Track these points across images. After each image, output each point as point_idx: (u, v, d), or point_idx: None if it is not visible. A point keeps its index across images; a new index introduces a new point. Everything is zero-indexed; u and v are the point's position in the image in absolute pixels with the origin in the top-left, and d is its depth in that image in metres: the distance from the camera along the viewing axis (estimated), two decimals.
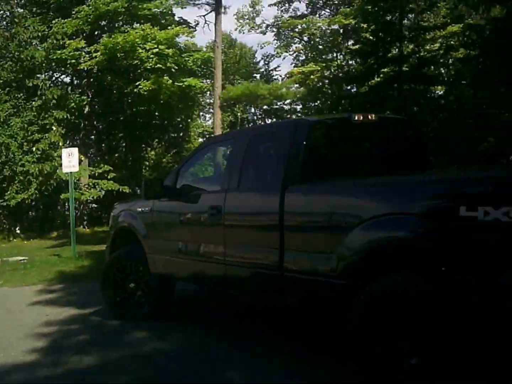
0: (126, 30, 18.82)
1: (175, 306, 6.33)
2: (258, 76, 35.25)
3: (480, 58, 14.61)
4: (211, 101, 28.37)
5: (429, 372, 2.97)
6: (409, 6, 20.26)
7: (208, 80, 24.15)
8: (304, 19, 27.56)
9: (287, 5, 29.57)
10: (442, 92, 23.00)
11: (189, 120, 24.99)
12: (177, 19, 22.29)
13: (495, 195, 2.87)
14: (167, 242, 5.65)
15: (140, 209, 6.09)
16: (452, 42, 20.16)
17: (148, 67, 18.37)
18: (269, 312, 5.71)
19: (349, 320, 3.42)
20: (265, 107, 31.32)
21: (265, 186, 4.51)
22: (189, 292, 7.02)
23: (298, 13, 28.97)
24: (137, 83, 18.71)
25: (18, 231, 18.44)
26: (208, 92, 26.73)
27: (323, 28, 26.33)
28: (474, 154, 23.02)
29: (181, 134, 25.30)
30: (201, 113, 29.66)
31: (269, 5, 29.86)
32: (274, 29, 30.03)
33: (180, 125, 24.88)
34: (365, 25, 21.34)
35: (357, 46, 21.88)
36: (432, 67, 21.68)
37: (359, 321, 3.36)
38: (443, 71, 23.12)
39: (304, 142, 4.25)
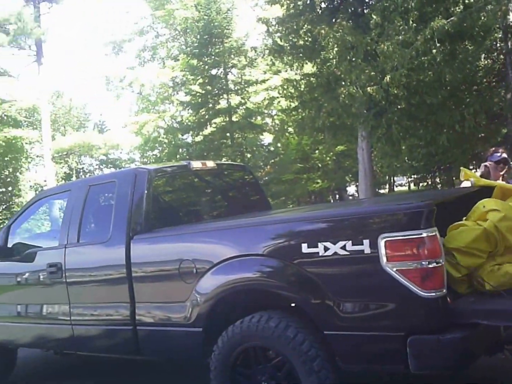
0: None
1: (19, 373, 5.60)
2: (91, 126, 34.23)
3: (299, 109, 15.78)
4: (42, 152, 26.79)
5: None
6: (232, 62, 21.57)
7: (37, 131, 22.77)
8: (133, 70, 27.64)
9: (114, 56, 29.44)
10: (271, 139, 24.55)
11: (18, 173, 23.18)
12: None
13: (332, 231, 3.02)
14: (3, 306, 5.08)
15: None
16: (273, 96, 21.56)
17: None
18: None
19: (210, 366, 3.34)
20: (101, 157, 30.37)
21: (108, 238, 4.20)
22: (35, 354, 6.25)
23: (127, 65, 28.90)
24: None
25: None
26: (38, 143, 25.15)
27: (152, 80, 26.54)
28: (307, 194, 24.76)
29: (10, 188, 23.32)
30: (32, 165, 27.73)
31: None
32: (105, 79, 29.50)
33: (9, 179, 22.96)
34: (192, 78, 22.03)
35: (187, 98, 22.50)
36: (259, 117, 23.11)
37: (219, 366, 3.29)
38: (269, 121, 24.58)
39: (146, 191, 4.11)
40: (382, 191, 30.78)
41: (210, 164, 4.95)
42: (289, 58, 14.54)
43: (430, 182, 27.20)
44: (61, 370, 5.99)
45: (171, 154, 23.43)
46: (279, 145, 23.58)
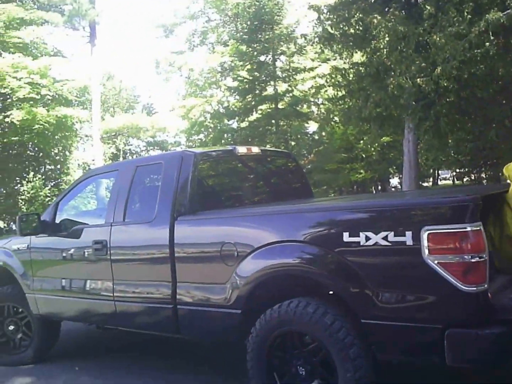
0: None
1: (62, 345, 5.82)
2: (139, 108, 34.81)
3: (346, 98, 15.60)
4: (91, 132, 27.51)
5: None
6: (281, 49, 21.48)
7: (87, 111, 23.33)
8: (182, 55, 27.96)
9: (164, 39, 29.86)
10: (316, 128, 24.40)
11: (67, 152, 23.83)
12: (51, 48, 21.46)
13: (375, 221, 3.01)
14: (49, 280, 5.23)
15: (16, 247, 5.57)
16: (320, 83, 21.39)
17: (20, 96, 17.33)
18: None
19: (247, 348, 3.41)
20: (148, 139, 30.89)
21: (153, 218, 4.27)
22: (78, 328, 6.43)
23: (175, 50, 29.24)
24: (8, 113, 17.48)
25: None
26: (87, 123, 25.76)
27: (201, 65, 26.75)
28: (349, 184, 24.57)
29: (58, 166, 23.99)
30: (80, 144, 28.44)
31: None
32: (154, 63, 29.97)
33: (58, 157, 23.63)
34: (241, 64, 22.09)
35: (235, 84, 22.60)
36: (305, 105, 22.98)
37: (256, 349, 3.35)
38: (315, 109, 24.41)
39: (191, 173, 4.17)
40: (425, 184, 30.22)
41: (255, 149, 4.99)
42: (339, 46, 14.35)
43: (474, 177, 26.56)
44: (103, 344, 6.17)
45: (216, 139, 23.62)
46: (323, 134, 23.41)
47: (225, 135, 23.51)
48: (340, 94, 16.04)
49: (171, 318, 3.99)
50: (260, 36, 20.62)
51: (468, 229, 2.63)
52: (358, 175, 22.73)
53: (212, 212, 4.10)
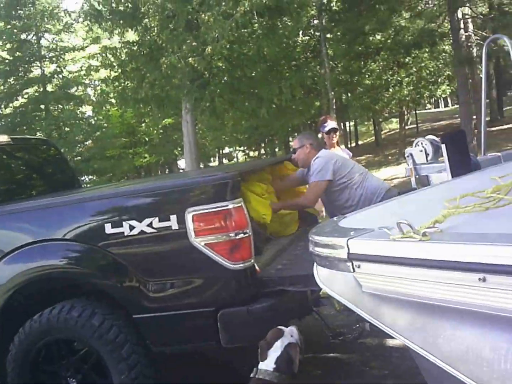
0: None
1: None
2: None
3: (120, 79, 15.12)
4: None
5: None
6: (45, 26, 19.83)
7: None
8: None
9: None
10: (91, 112, 23.17)
11: None
12: None
13: (137, 208, 2.79)
14: None
15: None
16: (92, 64, 20.43)
17: None
18: None
19: (7, 368, 2.93)
20: None
21: None
22: None
23: None
24: None
25: None
26: None
27: None
28: (134, 169, 24.06)
29: None
30: None
31: None
32: None
33: None
34: (0, 43, 19.99)
35: None
36: (78, 87, 21.67)
37: (17, 368, 2.91)
38: (91, 91, 23.21)
39: None
40: (211, 163, 31.31)
41: (3, 138, 4.35)
42: (108, 24, 13.72)
43: (255, 153, 28.47)
44: None
45: None
46: (100, 118, 22.40)
47: None
48: (114, 74, 15.46)
49: None
50: (20, 12, 18.80)
51: (230, 206, 2.58)
52: (142, 159, 22.30)
53: None
